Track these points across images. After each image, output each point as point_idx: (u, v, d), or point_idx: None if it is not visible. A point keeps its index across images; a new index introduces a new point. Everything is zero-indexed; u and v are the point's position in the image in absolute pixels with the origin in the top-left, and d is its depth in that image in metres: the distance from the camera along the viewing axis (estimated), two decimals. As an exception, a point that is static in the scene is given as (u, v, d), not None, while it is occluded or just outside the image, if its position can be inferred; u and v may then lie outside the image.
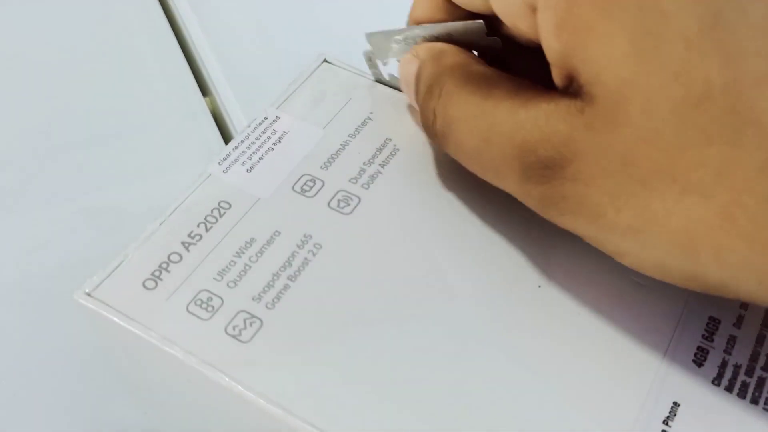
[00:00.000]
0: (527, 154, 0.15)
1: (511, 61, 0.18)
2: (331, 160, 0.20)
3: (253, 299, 0.17)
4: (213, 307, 0.17)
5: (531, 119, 0.15)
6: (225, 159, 0.20)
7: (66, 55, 0.35)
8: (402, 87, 0.20)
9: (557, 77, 0.15)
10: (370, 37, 0.20)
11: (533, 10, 0.15)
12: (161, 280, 0.17)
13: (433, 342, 0.16)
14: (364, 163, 0.20)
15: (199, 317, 0.17)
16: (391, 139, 0.20)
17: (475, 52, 0.19)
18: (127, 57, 0.35)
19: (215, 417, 0.17)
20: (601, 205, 0.14)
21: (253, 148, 0.20)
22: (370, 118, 0.21)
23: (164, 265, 0.18)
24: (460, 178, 0.19)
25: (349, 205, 0.19)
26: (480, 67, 0.17)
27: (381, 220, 0.19)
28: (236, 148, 0.20)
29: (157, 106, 0.33)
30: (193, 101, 0.33)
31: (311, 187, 0.19)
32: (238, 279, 0.17)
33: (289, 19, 0.37)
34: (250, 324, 0.17)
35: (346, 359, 0.16)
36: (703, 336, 0.16)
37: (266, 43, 0.36)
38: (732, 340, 0.16)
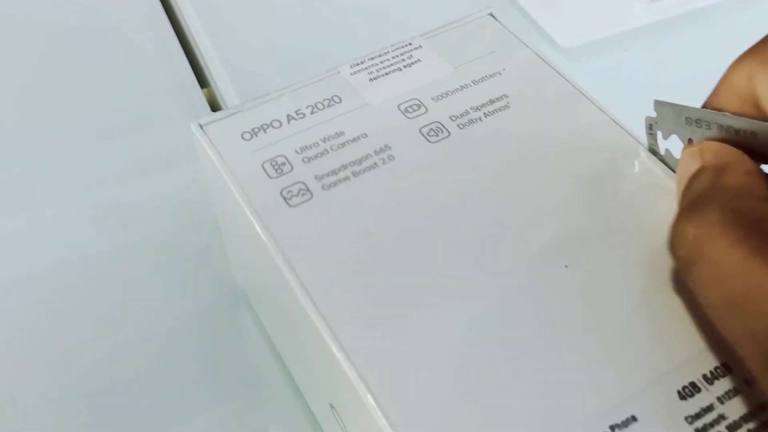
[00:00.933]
0: None
1: None
2: (444, 95, 0.21)
3: (315, 177, 0.19)
4: (282, 171, 0.19)
5: None
6: (357, 64, 0.22)
7: (63, 48, 0.35)
8: (677, 177, 0.18)
9: None
10: (659, 105, 0.19)
11: None
12: (257, 136, 0.20)
13: (456, 277, 0.17)
14: (471, 108, 0.21)
15: (267, 174, 0.19)
16: (507, 96, 0.21)
17: None
18: (125, 49, 0.35)
19: (250, 260, 0.20)
20: None
21: (385, 63, 0.22)
22: (499, 73, 0.22)
23: (264, 127, 0.20)
24: (543, 154, 0.19)
25: (437, 135, 0.20)
26: (761, 210, 0.14)
27: (457, 158, 0.19)
28: (371, 59, 0.22)
29: (154, 98, 0.32)
30: (192, 93, 0.33)
31: (414, 111, 0.21)
32: (313, 158, 0.19)
33: (287, 10, 0.36)
34: (303, 194, 0.19)
35: (368, 257, 0.17)
36: (704, 375, 0.15)
37: (265, 34, 0.35)
38: (733, 393, 0.15)
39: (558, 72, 0.22)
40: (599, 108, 0.21)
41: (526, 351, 0.16)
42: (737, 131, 0.17)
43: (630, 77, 0.34)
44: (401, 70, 0.22)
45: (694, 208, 0.15)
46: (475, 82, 0.21)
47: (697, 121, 0.18)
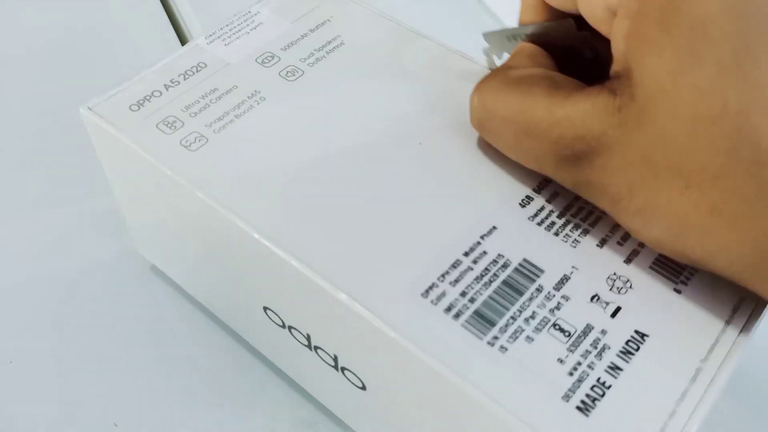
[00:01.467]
0: (563, 148, 0.18)
1: (599, 48, 0.21)
2: (290, 44, 0.25)
3: (205, 125, 0.23)
4: (175, 127, 0.23)
5: (568, 118, 0.17)
6: (211, 35, 0.26)
7: (59, 49, 0.36)
8: None
9: (615, 69, 0.17)
10: (487, 35, 0.24)
11: (614, 15, 0.17)
12: (143, 106, 0.23)
13: (341, 164, 0.21)
14: (315, 49, 0.25)
15: (163, 132, 0.23)
16: (340, 36, 0.26)
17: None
18: (121, 49, 0.37)
19: (162, 206, 0.23)
20: (620, 193, 0.17)
21: (234, 30, 0.26)
22: (329, 20, 0.26)
23: (147, 97, 0.24)
24: (380, 68, 0.25)
25: (294, 75, 0.24)
26: (525, 70, 0.20)
27: (315, 89, 0.24)
28: (221, 29, 0.26)
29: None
30: None
31: (270, 60, 0.25)
32: (198, 112, 0.23)
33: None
34: (199, 140, 0.22)
35: (269, 171, 0.21)
36: (533, 189, 0.21)
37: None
38: (555, 195, 0.21)
39: (375, 11, 0.27)
40: (414, 32, 0.26)
41: (405, 201, 0.21)
42: (538, 35, 0.23)
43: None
44: (249, 33, 0.26)
45: (481, 83, 0.21)
46: (311, 30, 0.26)
47: (514, 37, 0.24)
